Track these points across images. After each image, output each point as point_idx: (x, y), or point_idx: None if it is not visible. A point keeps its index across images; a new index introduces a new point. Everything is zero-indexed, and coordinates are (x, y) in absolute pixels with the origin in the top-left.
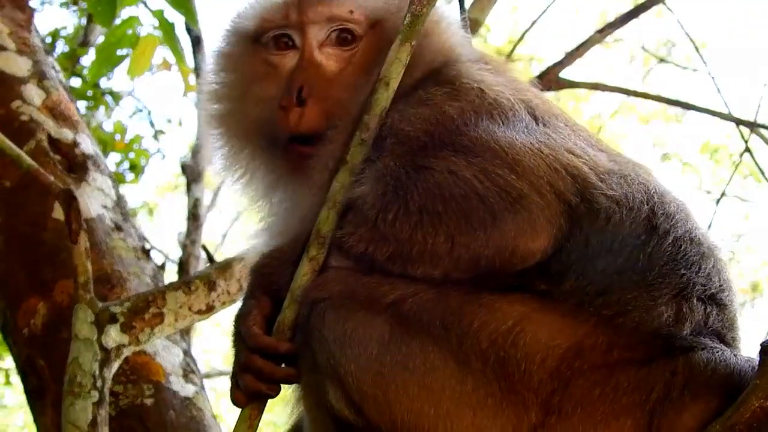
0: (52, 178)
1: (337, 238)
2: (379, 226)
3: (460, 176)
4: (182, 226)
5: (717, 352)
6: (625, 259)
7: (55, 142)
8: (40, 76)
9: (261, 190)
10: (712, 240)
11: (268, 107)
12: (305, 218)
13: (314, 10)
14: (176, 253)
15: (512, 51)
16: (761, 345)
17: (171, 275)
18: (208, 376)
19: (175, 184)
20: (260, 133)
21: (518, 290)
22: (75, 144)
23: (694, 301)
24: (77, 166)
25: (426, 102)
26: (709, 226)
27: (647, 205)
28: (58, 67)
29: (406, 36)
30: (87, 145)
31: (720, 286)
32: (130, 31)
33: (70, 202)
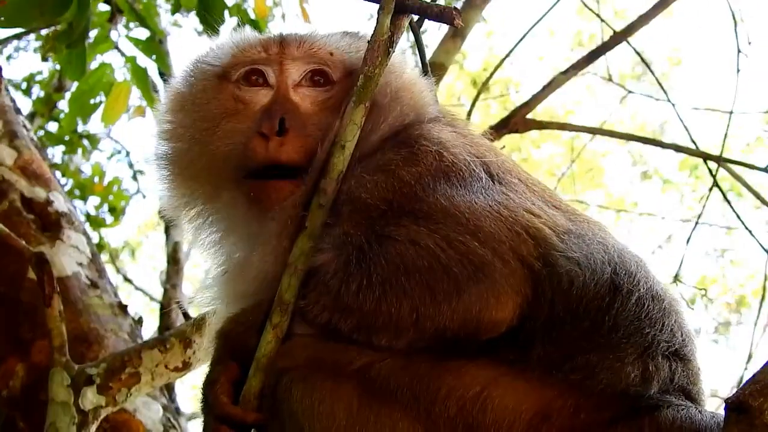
0: (23, 242)
1: (300, 307)
2: (342, 297)
3: (422, 245)
4: (165, 265)
5: (682, 409)
6: (591, 323)
7: (28, 202)
8: (11, 136)
9: (219, 233)
10: (671, 294)
11: (241, 139)
12: (266, 280)
13: (296, 46)
14: (160, 292)
15: (489, 78)
16: (726, 402)
17: (155, 315)
18: (193, 417)
19: (156, 222)
20: (229, 168)
21: (486, 356)
22: (48, 202)
23: (660, 358)
24: (51, 224)
25: (383, 168)
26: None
27: (609, 266)
28: (29, 125)
29: (359, 98)
30: (60, 202)
31: (683, 340)
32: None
33: (43, 265)
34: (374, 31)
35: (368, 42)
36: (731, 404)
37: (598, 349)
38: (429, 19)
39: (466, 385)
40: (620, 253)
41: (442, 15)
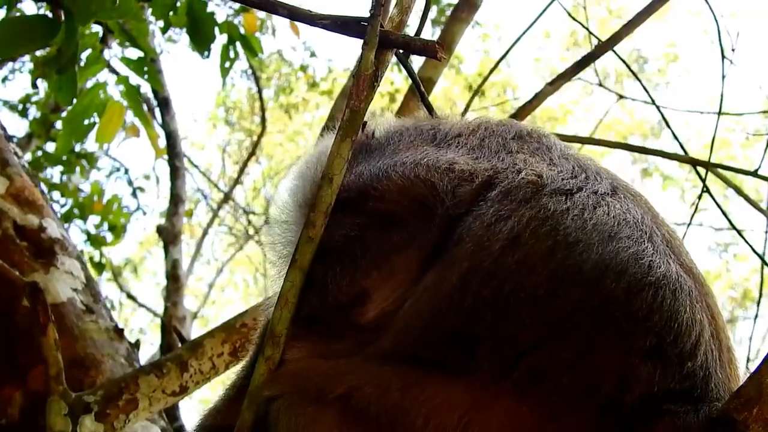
0: (17, 272)
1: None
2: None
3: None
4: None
5: (678, 418)
6: (546, 323)
7: (21, 229)
8: (2, 163)
9: None
10: (667, 263)
11: None
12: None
13: None
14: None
15: (482, 83)
16: (710, 416)
17: (159, 332)
18: None
19: (157, 238)
20: None
21: (438, 367)
22: (41, 229)
23: (637, 361)
24: (45, 251)
25: None
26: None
27: (539, 211)
28: (20, 152)
29: (346, 132)
30: (53, 228)
31: (677, 329)
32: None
33: (36, 295)
34: (359, 65)
35: (353, 76)
36: (716, 418)
37: (565, 367)
38: (412, 53)
39: (443, 414)
40: (590, 198)
41: (425, 49)
